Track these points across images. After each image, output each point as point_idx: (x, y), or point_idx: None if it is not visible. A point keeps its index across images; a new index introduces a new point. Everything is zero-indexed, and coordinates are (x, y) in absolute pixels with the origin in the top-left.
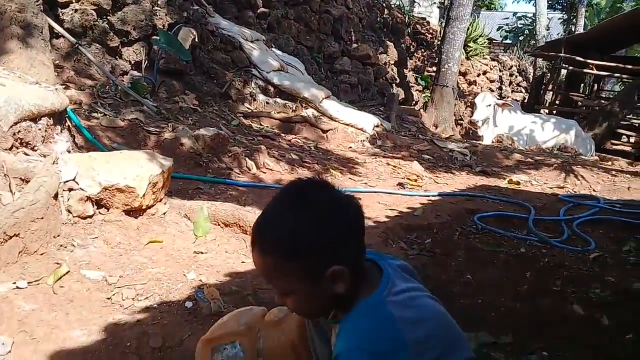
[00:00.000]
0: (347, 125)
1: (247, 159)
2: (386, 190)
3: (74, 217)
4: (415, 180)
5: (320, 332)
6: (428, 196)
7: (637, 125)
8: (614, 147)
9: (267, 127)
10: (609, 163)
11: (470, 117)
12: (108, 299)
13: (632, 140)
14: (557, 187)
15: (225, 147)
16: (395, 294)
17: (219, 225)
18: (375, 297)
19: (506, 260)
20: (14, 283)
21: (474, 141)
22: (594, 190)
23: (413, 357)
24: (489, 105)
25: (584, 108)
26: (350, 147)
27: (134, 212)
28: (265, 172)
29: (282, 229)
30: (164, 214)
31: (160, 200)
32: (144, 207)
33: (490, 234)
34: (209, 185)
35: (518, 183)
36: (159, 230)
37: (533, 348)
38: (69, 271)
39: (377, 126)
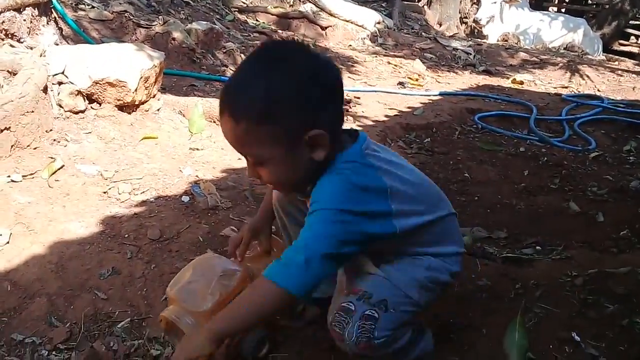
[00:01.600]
0: (347, 21)
1: (242, 55)
2: (386, 89)
3: (65, 111)
4: (417, 80)
5: (292, 219)
6: (429, 96)
7: None
8: (622, 47)
9: (264, 22)
10: (616, 63)
11: (475, 14)
12: (104, 192)
13: None
14: (561, 87)
15: (220, 43)
16: (373, 151)
17: (214, 122)
18: (354, 148)
19: (505, 159)
20: (9, 176)
21: (479, 40)
22: (598, 90)
23: (391, 205)
24: (495, 3)
25: (594, 6)
26: (350, 45)
27: (127, 107)
28: None
29: (255, 90)
30: (158, 110)
31: (154, 96)
32: (137, 103)
33: (490, 133)
34: (204, 83)
35: (522, 82)
36: (154, 127)
37: (527, 242)
38: (63, 165)
39: (378, 23)
